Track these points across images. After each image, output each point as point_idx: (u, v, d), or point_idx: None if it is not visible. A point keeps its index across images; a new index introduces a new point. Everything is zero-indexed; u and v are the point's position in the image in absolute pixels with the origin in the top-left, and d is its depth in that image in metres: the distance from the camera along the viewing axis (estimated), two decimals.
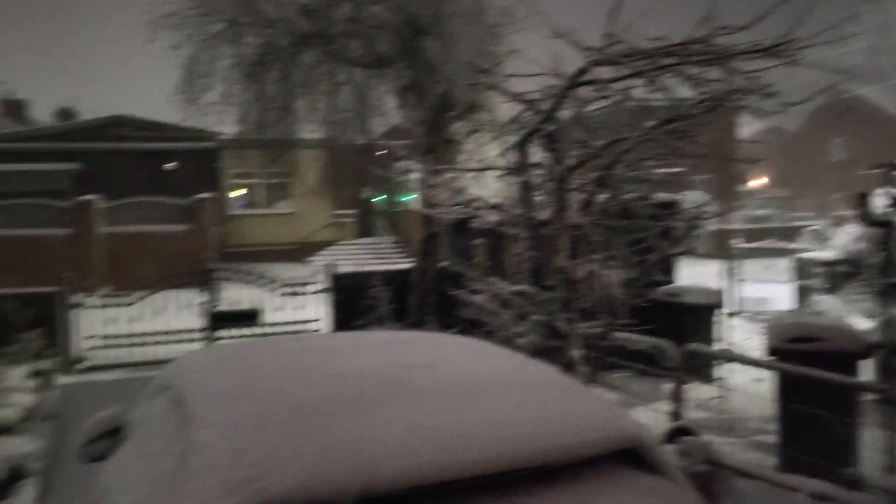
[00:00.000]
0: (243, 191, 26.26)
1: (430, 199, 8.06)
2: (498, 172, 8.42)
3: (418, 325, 10.13)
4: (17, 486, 5.48)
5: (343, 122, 11.85)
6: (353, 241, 26.21)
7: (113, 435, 3.94)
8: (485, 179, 9.28)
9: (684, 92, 5.90)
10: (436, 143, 10.45)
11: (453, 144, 10.60)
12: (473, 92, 9.45)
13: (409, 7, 9.62)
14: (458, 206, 7.29)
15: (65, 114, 42.58)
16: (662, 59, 5.49)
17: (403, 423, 2.38)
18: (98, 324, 10.20)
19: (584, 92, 6.05)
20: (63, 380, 9.32)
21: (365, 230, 26.84)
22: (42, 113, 44.54)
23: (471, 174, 8.82)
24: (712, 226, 18.04)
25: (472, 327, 8.09)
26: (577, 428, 2.48)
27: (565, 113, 6.19)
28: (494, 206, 6.87)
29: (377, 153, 12.53)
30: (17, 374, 8.22)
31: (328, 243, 25.66)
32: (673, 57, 5.49)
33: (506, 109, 9.83)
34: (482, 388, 2.69)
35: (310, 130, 12.41)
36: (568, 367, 5.50)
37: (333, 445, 2.26)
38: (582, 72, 5.88)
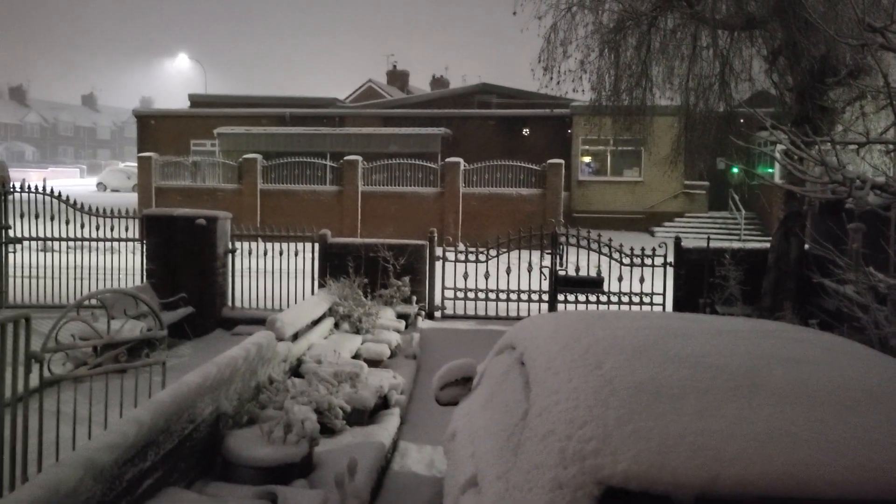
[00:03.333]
0: (589, 158, 26.49)
1: (797, 173, 7.27)
2: (887, 147, 7.33)
3: (771, 311, 9.33)
4: (385, 412, 6.25)
5: (702, 89, 11.27)
6: (703, 214, 25.04)
7: (463, 383, 4.27)
8: (868, 155, 8.13)
9: None
10: (808, 112, 9.38)
11: (830, 113, 9.43)
12: (861, 54, 8.26)
13: None
14: (831, 184, 6.46)
15: (437, 82, 47.25)
16: None
17: (757, 424, 2.19)
18: (454, 276, 11.14)
19: None
20: (423, 324, 10.39)
21: (716, 203, 25.44)
22: (420, 81, 49.80)
23: (850, 148, 7.78)
24: None
25: (834, 320, 7.24)
26: None
27: None
28: (878, 186, 5.96)
29: (737, 122, 11.65)
30: (389, 315, 9.36)
31: (675, 214, 24.89)
32: None
33: None
34: (856, 399, 2.35)
35: (665, 97, 12.03)
36: None
37: (676, 434, 2.16)
38: None
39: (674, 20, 10.91)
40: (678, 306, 10.66)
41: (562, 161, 23.17)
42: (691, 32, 10.94)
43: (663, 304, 10.91)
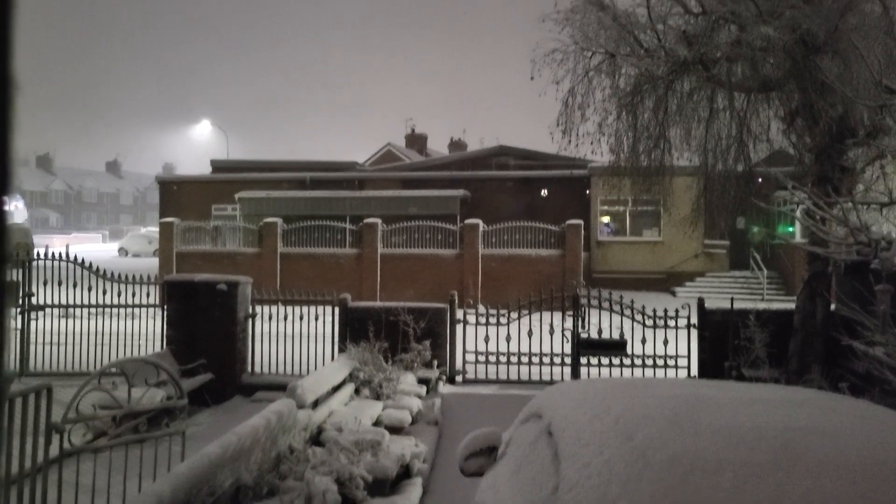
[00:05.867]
0: (608, 218, 26.52)
1: (820, 233, 7.20)
2: None
3: (799, 373, 9.13)
4: (407, 482, 6.10)
5: (721, 150, 11.30)
6: (724, 274, 24.85)
7: (488, 453, 4.16)
8: (891, 214, 8.06)
9: None
10: (828, 172, 9.36)
11: (850, 173, 9.39)
12: (880, 114, 8.27)
13: (804, 24, 8.77)
14: (856, 245, 6.39)
15: (455, 145, 47.89)
16: None
17: (797, 499, 2.10)
18: (475, 340, 11.03)
19: None
20: (444, 389, 10.25)
21: (737, 262, 25.26)
22: (438, 144, 50.64)
23: (873, 207, 7.72)
24: None
25: (864, 383, 7.05)
26: None
27: None
28: None
29: (756, 182, 11.64)
30: (409, 380, 9.25)
31: (696, 274, 24.72)
32: None
33: None
34: None
35: (684, 158, 12.07)
36: None
37: None
38: None
39: (690, 83, 11.02)
40: (703, 369, 10.46)
41: (580, 221, 23.20)
42: (707, 95, 11.04)
43: (688, 367, 10.71)
